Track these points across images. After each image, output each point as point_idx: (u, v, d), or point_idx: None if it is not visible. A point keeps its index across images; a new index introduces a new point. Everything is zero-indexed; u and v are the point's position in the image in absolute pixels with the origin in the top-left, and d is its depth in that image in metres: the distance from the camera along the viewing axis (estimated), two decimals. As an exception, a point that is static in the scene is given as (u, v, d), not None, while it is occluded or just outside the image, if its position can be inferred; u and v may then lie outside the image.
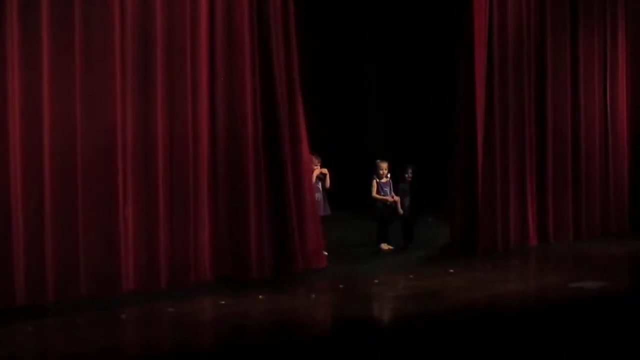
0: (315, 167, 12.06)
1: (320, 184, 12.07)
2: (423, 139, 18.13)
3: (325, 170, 12.12)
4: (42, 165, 8.84)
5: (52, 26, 8.88)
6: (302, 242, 10.63)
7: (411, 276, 10.72)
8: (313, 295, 9.51)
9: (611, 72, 14.18)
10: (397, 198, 12.68)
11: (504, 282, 9.88)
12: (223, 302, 9.02)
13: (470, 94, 12.13)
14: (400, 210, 12.68)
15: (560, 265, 11.18)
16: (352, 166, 17.59)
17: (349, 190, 16.14)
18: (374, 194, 12.58)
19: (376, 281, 10.22)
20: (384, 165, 12.66)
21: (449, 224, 12.42)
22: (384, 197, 12.60)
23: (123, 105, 9.36)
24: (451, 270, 10.85)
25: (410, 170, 12.87)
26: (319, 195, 12.06)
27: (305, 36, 18.55)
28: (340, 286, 9.88)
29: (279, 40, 10.59)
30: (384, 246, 12.65)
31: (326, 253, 11.27)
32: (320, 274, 10.73)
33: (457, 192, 12.29)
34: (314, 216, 10.97)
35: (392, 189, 12.69)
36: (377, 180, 12.62)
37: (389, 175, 12.69)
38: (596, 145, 13.94)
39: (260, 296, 9.37)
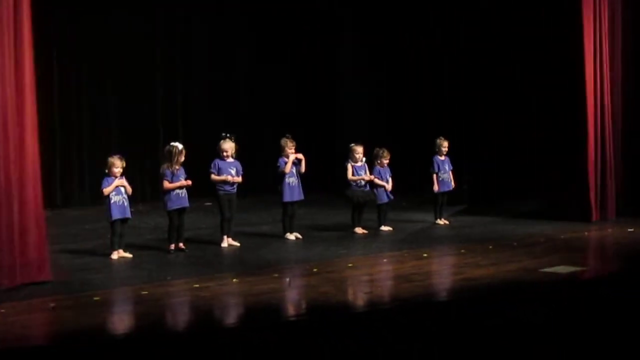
0: (291, 152, 12.10)
1: (295, 168, 12.11)
2: (399, 124, 18.14)
3: (300, 155, 12.13)
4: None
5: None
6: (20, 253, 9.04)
7: (385, 260, 10.76)
8: (287, 279, 9.53)
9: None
10: (372, 177, 12.74)
11: (476, 267, 9.92)
12: (197, 286, 9.08)
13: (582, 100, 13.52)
14: (374, 194, 12.77)
15: (534, 249, 11.23)
16: (327, 150, 17.64)
17: (324, 174, 16.23)
18: (350, 176, 12.63)
19: (350, 265, 10.22)
20: (359, 149, 12.70)
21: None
22: (360, 177, 12.63)
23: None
24: (425, 255, 10.90)
25: (386, 154, 12.95)
26: (294, 180, 12.10)
27: (280, 22, 18.78)
28: (314, 270, 9.88)
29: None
30: (358, 230, 12.70)
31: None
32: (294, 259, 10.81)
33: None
34: (36, 221, 9.30)
35: (367, 172, 12.75)
36: (352, 163, 12.66)
37: (363, 159, 12.75)
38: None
39: (234, 280, 9.45)
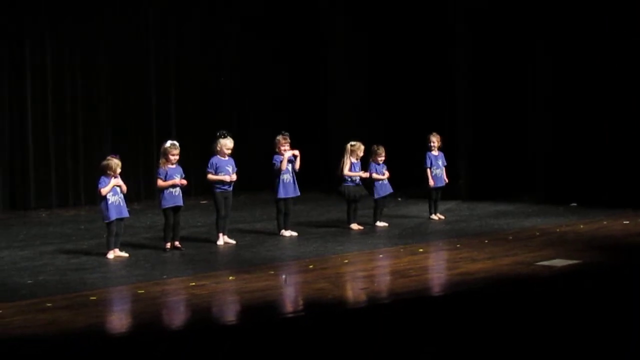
0: (285, 149, 12.08)
1: (290, 165, 12.09)
2: (393, 119, 18.12)
3: (296, 152, 12.12)
4: None
5: None
6: None
7: (380, 256, 10.78)
8: (283, 276, 9.55)
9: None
10: (368, 174, 12.78)
11: (472, 261, 9.95)
12: (193, 284, 9.10)
13: None
14: (371, 189, 12.82)
15: (528, 242, 11.28)
16: (321, 146, 17.64)
17: (318, 170, 16.25)
18: (346, 171, 12.65)
19: (346, 261, 10.25)
20: (362, 147, 12.71)
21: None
22: (357, 173, 12.68)
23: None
24: (420, 250, 10.93)
25: (382, 151, 12.98)
26: (288, 177, 12.08)
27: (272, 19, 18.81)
28: (310, 266, 9.91)
29: None
30: (354, 226, 12.71)
31: None
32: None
33: None
34: None
35: (361, 168, 12.80)
36: (351, 159, 12.67)
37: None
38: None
39: (230, 277, 9.46)
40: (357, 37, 18.48)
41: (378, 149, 13.00)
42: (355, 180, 12.66)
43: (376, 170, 12.91)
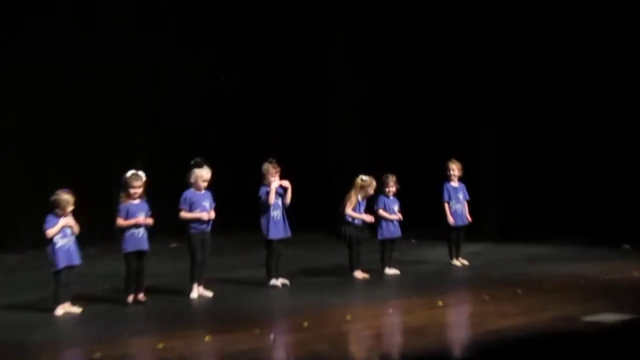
0: (274, 179, 12.07)
1: (280, 200, 12.07)
2: (400, 148, 18.24)
3: (286, 183, 12.10)
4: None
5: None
6: None
7: (390, 310, 10.75)
8: (272, 336, 9.52)
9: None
10: (372, 219, 12.76)
11: (502, 317, 9.92)
12: (161, 346, 9.05)
13: None
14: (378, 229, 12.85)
15: (571, 293, 11.30)
16: (317, 178, 17.70)
17: (314, 206, 16.23)
18: (349, 210, 12.64)
19: (348, 317, 10.19)
20: (374, 184, 12.71)
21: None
22: (361, 216, 12.67)
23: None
24: (440, 303, 10.88)
25: (391, 179, 12.99)
26: (278, 213, 12.06)
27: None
28: (305, 324, 9.83)
29: None
30: (358, 274, 12.69)
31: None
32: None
33: None
34: None
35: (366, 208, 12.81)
36: (359, 197, 12.65)
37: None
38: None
39: (206, 337, 9.41)
40: (357, 37, 19.52)
41: (387, 178, 12.99)
42: (358, 222, 12.65)
43: (385, 205, 12.90)
